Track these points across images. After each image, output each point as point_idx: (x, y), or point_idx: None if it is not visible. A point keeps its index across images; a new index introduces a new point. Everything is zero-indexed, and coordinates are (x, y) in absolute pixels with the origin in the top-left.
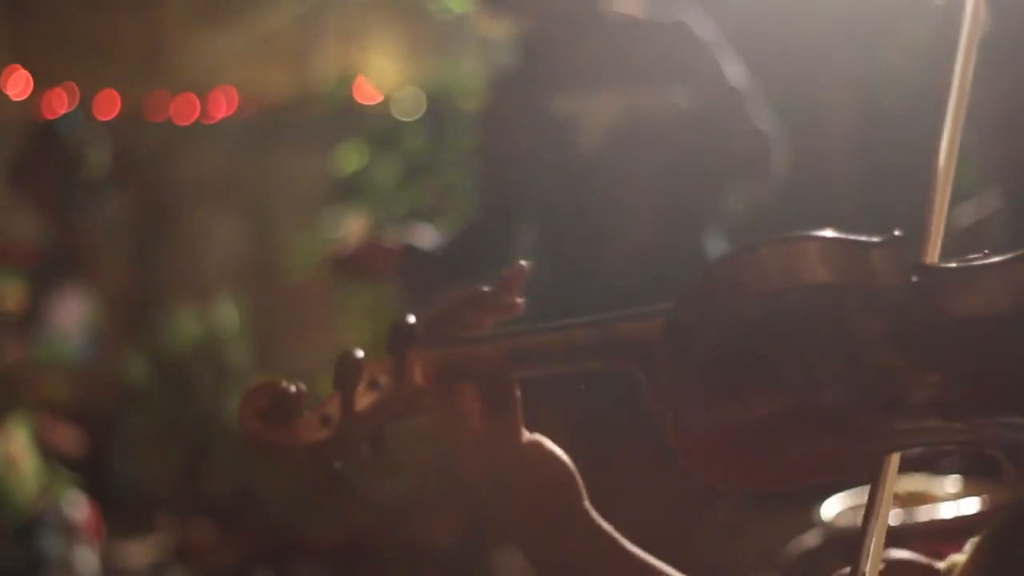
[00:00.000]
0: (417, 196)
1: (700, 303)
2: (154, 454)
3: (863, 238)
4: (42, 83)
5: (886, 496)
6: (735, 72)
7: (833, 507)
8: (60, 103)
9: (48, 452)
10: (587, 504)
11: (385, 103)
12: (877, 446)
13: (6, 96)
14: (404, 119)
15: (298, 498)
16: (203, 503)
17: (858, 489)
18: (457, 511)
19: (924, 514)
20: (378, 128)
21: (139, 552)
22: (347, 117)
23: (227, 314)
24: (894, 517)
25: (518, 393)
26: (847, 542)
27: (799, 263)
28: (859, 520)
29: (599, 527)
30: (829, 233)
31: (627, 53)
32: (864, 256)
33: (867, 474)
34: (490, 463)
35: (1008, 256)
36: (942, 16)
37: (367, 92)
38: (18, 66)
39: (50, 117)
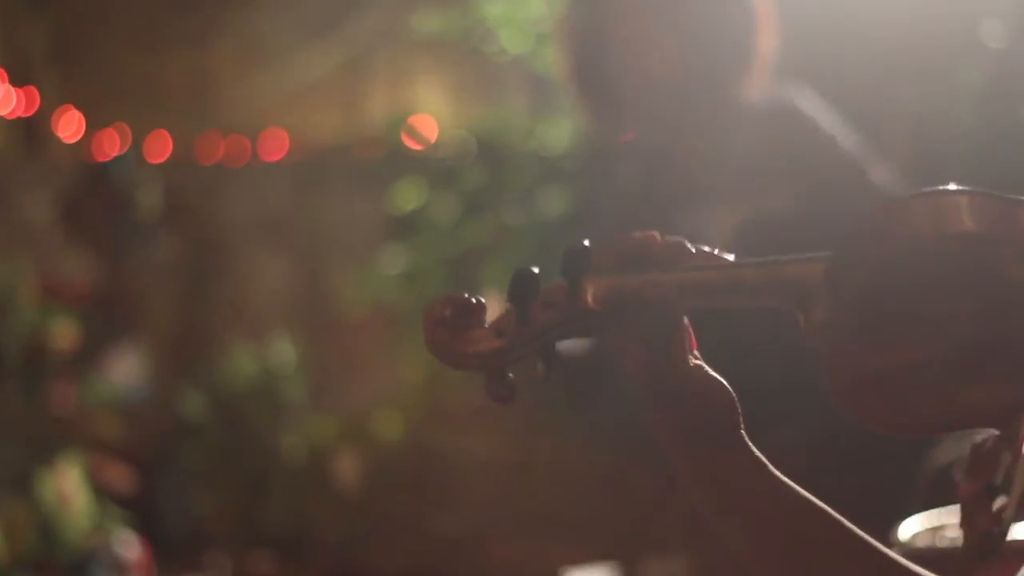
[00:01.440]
0: (474, 235)
1: (860, 248)
2: (209, 492)
3: (1012, 196)
4: (94, 124)
5: None
6: (848, 142)
7: (911, 528)
8: (112, 145)
9: (100, 490)
10: (744, 433)
11: (438, 144)
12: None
13: (58, 138)
14: (459, 159)
15: (358, 532)
16: (261, 539)
17: (936, 511)
18: (518, 543)
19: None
20: (433, 168)
21: None
22: (400, 158)
23: (283, 352)
24: None
25: (686, 321)
26: (925, 563)
27: (952, 214)
28: (936, 541)
29: (755, 455)
30: (979, 189)
31: (744, 153)
32: (1013, 211)
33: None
34: (656, 385)
35: None
36: (997, 59)
37: (420, 133)
38: (71, 106)
39: (101, 159)
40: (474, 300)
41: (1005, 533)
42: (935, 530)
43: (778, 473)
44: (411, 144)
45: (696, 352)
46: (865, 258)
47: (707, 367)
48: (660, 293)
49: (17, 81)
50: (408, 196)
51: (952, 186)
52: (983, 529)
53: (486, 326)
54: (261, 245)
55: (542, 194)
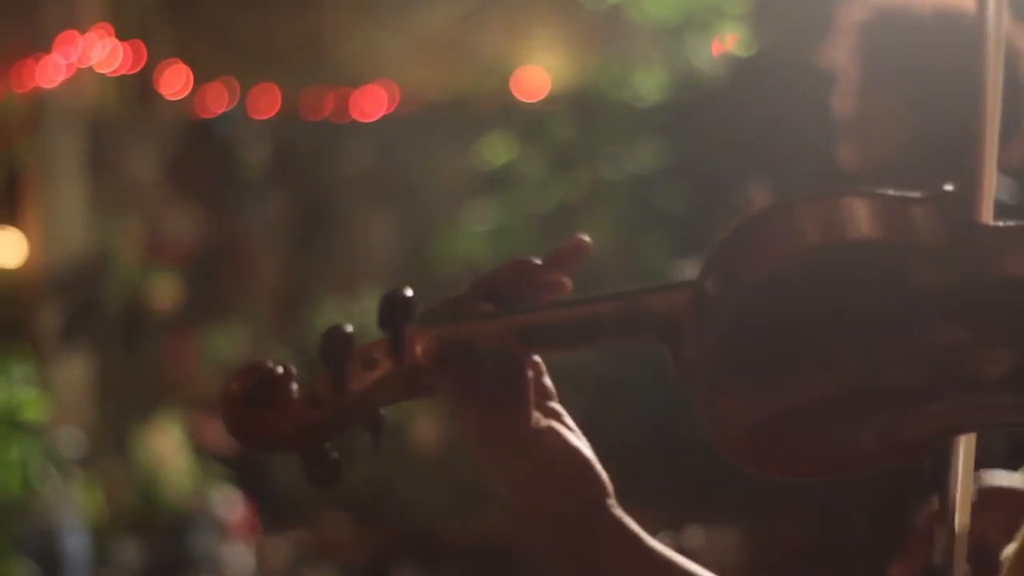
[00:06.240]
0: (566, 190)
1: (729, 268)
2: None
3: (907, 194)
4: (200, 79)
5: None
6: None
7: None
8: (218, 101)
9: (201, 449)
10: (611, 501)
11: (541, 97)
12: (939, 427)
13: (163, 95)
14: (557, 112)
15: (438, 496)
16: (342, 501)
17: None
18: None
19: None
20: (529, 121)
21: (286, 549)
22: (503, 111)
23: (372, 311)
24: None
25: (531, 375)
26: None
27: (839, 220)
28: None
29: (625, 528)
30: (868, 189)
31: None
32: (909, 212)
33: (928, 460)
34: (497, 453)
35: None
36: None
37: (524, 86)
38: (177, 61)
39: (207, 116)
40: (280, 370)
41: None
42: None
43: (657, 546)
44: (516, 96)
45: (556, 407)
46: (739, 279)
47: (561, 429)
48: (499, 342)
49: (124, 36)
50: (498, 150)
51: (837, 188)
52: None
53: (296, 396)
54: (365, 201)
55: (636, 147)
